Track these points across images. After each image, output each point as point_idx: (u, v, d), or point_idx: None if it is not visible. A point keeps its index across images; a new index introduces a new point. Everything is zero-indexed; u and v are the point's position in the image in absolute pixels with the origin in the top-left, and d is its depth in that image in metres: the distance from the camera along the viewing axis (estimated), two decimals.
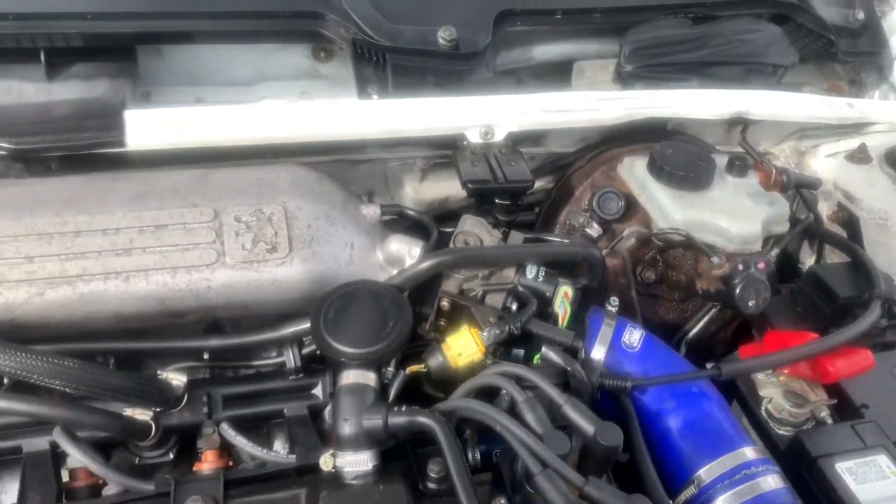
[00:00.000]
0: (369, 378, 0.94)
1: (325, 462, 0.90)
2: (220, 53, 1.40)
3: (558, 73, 1.52)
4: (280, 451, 1.02)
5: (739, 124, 1.38)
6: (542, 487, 0.83)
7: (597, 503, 0.82)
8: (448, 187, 1.42)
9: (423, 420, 0.90)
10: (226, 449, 1.06)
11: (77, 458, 0.92)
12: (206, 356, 1.09)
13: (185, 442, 1.07)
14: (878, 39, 1.68)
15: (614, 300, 1.16)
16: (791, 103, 1.39)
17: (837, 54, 1.61)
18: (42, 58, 1.21)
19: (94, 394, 0.92)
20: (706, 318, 1.30)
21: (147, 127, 1.11)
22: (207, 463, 1.04)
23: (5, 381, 0.97)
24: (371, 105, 1.24)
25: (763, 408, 1.13)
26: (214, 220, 1.04)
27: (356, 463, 0.89)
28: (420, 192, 1.44)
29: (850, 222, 1.36)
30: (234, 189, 1.07)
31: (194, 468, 1.01)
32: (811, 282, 1.25)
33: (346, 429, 0.90)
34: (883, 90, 1.74)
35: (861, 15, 1.66)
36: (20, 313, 0.95)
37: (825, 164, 1.46)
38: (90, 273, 0.97)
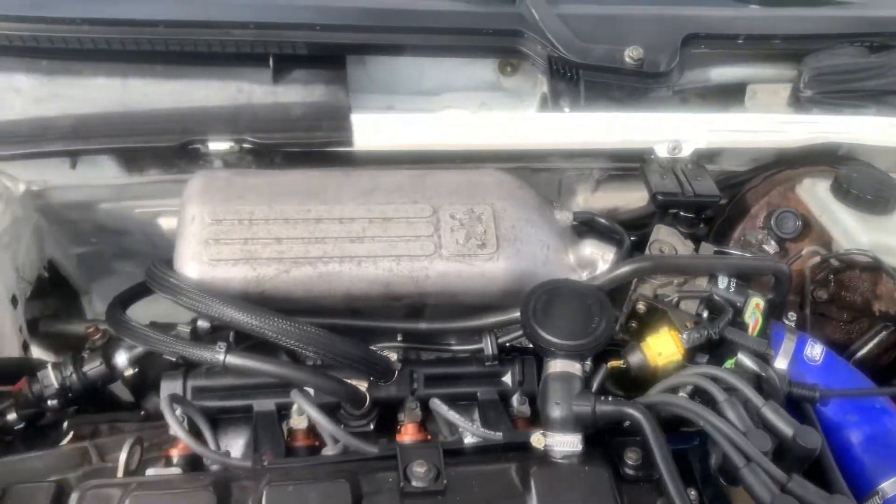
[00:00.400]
0: (576, 368, 1.02)
1: (537, 440, 0.99)
2: (415, 65, 1.52)
3: (725, 95, 1.58)
4: None
5: None
6: (747, 480, 0.89)
7: (800, 499, 0.88)
8: (618, 198, 1.50)
9: (630, 411, 0.98)
10: (423, 424, 1.18)
11: (315, 418, 1.04)
12: (399, 338, 1.21)
13: (385, 414, 1.18)
14: None
15: (792, 315, 1.21)
16: None
17: None
18: (270, 63, 1.36)
19: (335, 361, 1.04)
20: (875, 340, 1.33)
21: (371, 129, 1.24)
22: (408, 435, 1.15)
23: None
24: (568, 118, 1.33)
25: None
26: (433, 216, 1.15)
27: (565, 443, 0.98)
28: (591, 201, 1.52)
29: None
30: (448, 189, 1.18)
31: (397, 439, 1.13)
32: None
33: (557, 412, 0.99)
34: None
35: None
36: (269, 287, 1.08)
37: None
38: (329, 256, 1.10)
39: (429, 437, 1.14)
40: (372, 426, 1.16)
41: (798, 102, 1.46)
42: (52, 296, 1.49)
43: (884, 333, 1.31)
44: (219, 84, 1.35)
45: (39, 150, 1.18)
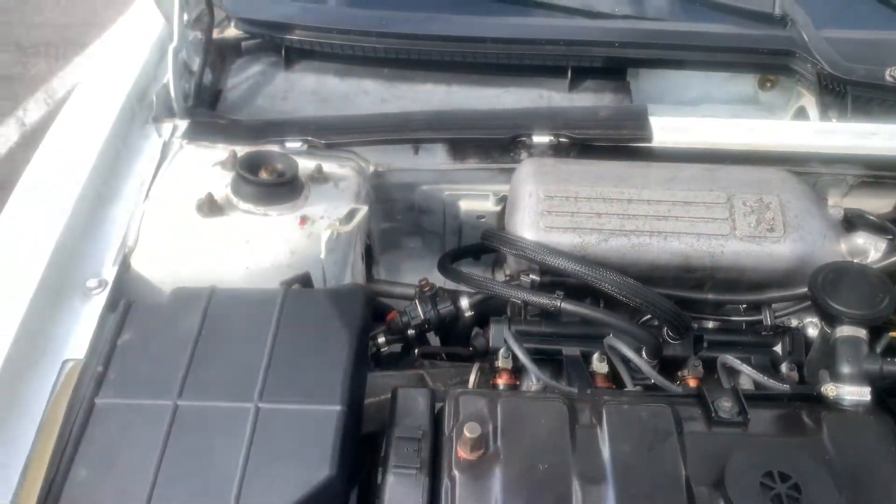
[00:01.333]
0: (862, 333, 1.20)
1: (829, 390, 1.17)
2: (682, 77, 1.74)
3: None
4: None
5: None
6: None
7: None
8: (866, 203, 1.64)
9: None
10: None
11: (634, 359, 1.26)
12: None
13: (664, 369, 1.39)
14: None
15: None
16: None
17: None
18: (568, 74, 1.63)
19: (650, 310, 1.25)
20: None
21: (666, 129, 1.47)
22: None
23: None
24: (843, 127, 1.51)
25: None
26: (727, 202, 1.35)
27: (855, 394, 1.15)
28: (841, 205, 1.67)
29: None
30: (739, 182, 1.38)
31: None
32: None
33: (847, 368, 1.16)
34: None
35: None
36: (590, 252, 1.32)
37: None
38: (640, 230, 1.33)
39: None
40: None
41: None
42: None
43: None
44: (524, 91, 1.63)
45: (403, 138, 1.49)
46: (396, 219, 1.80)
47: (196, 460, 1.05)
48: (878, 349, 1.20)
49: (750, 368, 1.25)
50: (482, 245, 1.46)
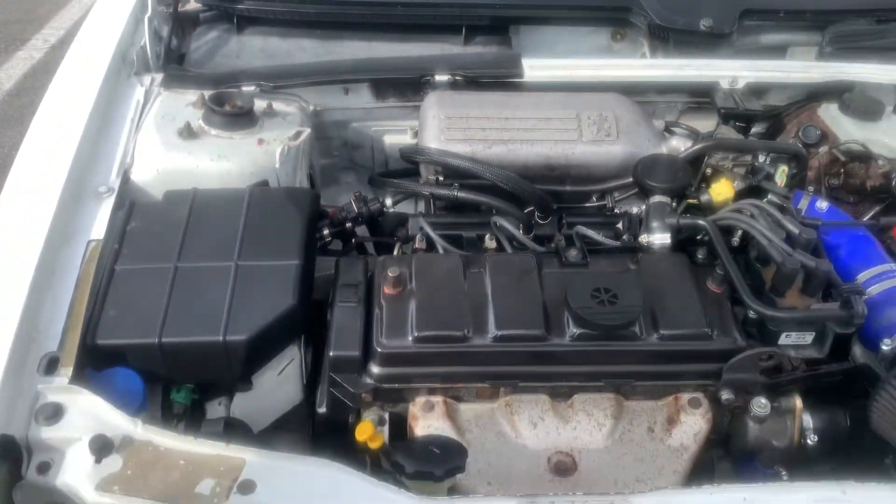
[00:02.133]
0: (667, 200, 1.68)
1: (643, 239, 1.65)
2: (552, 34, 2.21)
3: (773, 53, 2.21)
4: None
5: None
6: (769, 253, 1.52)
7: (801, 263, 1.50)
8: (697, 124, 2.13)
9: (701, 221, 1.62)
10: None
11: (513, 232, 1.68)
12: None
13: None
14: None
15: (810, 188, 1.83)
16: None
17: None
18: (463, 31, 2.08)
19: (521, 193, 1.70)
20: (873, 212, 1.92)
21: (534, 68, 1.93)
22: None
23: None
24: (665, 62, 2.00)
25: None
26: (576, 117, 1.81)
27: (659, 239, 1.63)
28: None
29: None
30: (586, 103, 1.85)
31: None
32: None
33: (656, 222, 1.64)
34: None
35: None
36: (478, 155, 1.76)
37: None
38: (514, 139, 1.78)
39: None
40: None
41: (822, 56, 2.08)
42: None
43: (878, 208, 1.91)
44: (430, 45, 2.07)
45: (333, 79, 1.91)
46: (333, 155, 2.22)
47: (194, 300, 1.46)
48: (679, 210, 1.69)
49: (594, 232, 1.71)
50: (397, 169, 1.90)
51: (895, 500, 1.24)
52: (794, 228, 1.55)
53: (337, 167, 2.26)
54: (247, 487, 1.20)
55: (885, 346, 1.52)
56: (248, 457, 1.25)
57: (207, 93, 1.84)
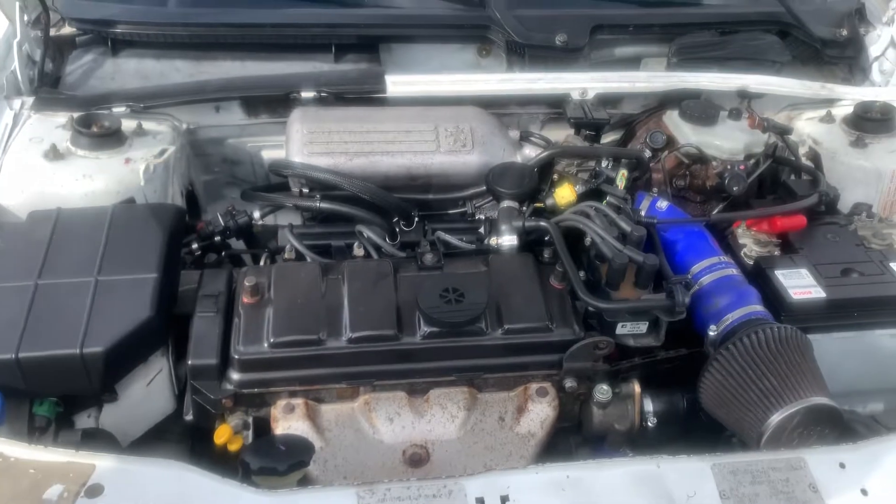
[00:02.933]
0: (515, 205, 1.79)
1: (493, 241, 1.76)
2: (422, 51, 2.31)
3: (628, 64, 2.36)
4: None
5: (745, 96, 2.16)
6: (602, 251, 1.64)
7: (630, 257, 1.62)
8: (553, 134, 2.26)
9: (543, 223, 1.74)
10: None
11: (377, 240, 1.77)
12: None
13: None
14: (858, 49, 2.42)
15: (655, 190, 1.97)
16: (778, 84, 2.17)
17: (825, 58, 2.38)
18: (333, 49, 2.17)
19: (383, 203, 1.79)
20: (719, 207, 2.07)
21: (397, 83, 2.02)
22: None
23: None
24: (519, 76, 2.12)
25: (742, 251, 1.90)
26: (434, 129, 1.92)
27: (508, 241, 1.74)
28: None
29: (815, 156, 2.11)
30: (444, 116, 1.95)
31: None
32: (784, 188, 2.02)
33: (504, 226, 1.75)
34: (866, 86, 2.46)
35: (845, 32, 2.41)
36: (341, 168, 1.84)
37: (806, 124, 2.20)
38: (375, 151, 1.87)
39: None
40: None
41: (670, 66, 2.24)
42: (190, 208, 2.28)
43: (721, 206, 2.06)
44: (301, 63, 2.16)
45: (201, 98, 1.97)
46: (215, 171, 2.27)
47: (53, 315, 1.50)
48: (527, 214, 1.80)
49: (451, 237, 1.82)
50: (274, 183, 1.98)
51: (702, 469, 1.36)
52: (626, 227, 1.68)
53: (220, 183, 2.31)
54: (94, 491, 1.25)
55: (712, 331, 1.66)
56: (99, 462, 1.30)
57: (76, 115, 1.88)
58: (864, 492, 1.36)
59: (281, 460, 1.32)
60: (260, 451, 1.35)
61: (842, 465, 1.40)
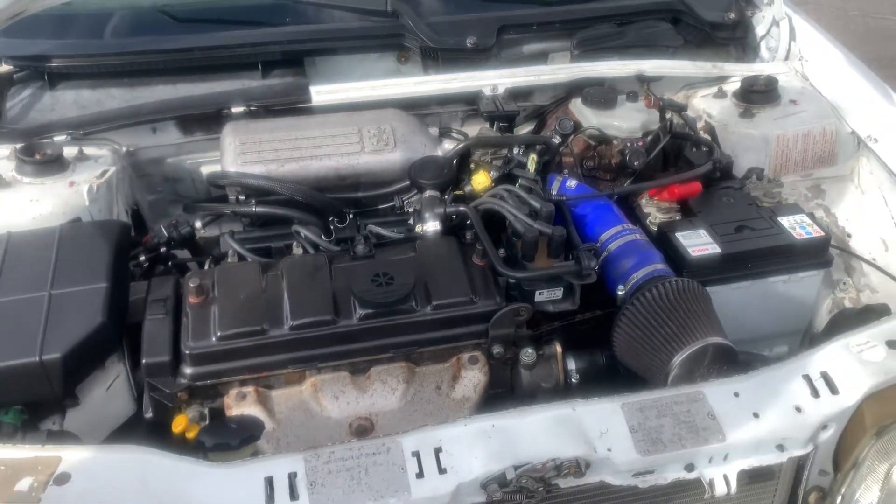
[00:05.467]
0: (436, 194, 1.95)
1: (419, 228, 1.91)
2: (346, 62, 2.47)
3: (536, 59, 2.54)
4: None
5: (643, 80, 2.36)
6: (517, 228, 1.80)
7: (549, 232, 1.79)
8: (473, 130, 2.41)
9: (462, 208, 1.89)
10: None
11: (313, 238, 1.89)
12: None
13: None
14: (746, 30, 2.64)
15: (566, 171, 2.15)
16: (671, 66, 2.37)
17: (717, 41, 2.60)
18: (259, 66, 2.31)
19: (316, 203, 1.93)
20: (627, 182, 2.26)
21: (321, 93, 2.17)
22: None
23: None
24: (433, 78, 2.29)
25: (647, 219, 2.09)
26: (358, 132, 2.07)
27: (431, 227, 1.88)
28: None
29: (711, 129, 2.31)
30: (367, 119, 2.10)
31: None
32: (684, 160, 2.22)
33: (428, 213, 1.90)
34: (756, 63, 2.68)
35: (733, 15, 2.63)
36: (273, 174, 1.97)
37: (701, 100, 2.41)
38: (304, 156, 2.00)
39: None
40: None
41: (573, 59, 2.43)
42: (137, 227, 2.39)
43: (627, 182, 2.25)
44: (230, 82, 2.30)
45: (137, 121, 2.10)
46: (158, 190, 2.39)
47: (11, 329, 1.60)
48: (448, 201, 1.96)
49: (381, 229, 1.96)
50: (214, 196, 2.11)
51: (613, 408, 1.52)
52: (536, 204, 1.85)
53: (164, 202, 2.43)
54: (62, 479, 1.37)
55: (620, 291, 1.83)
56: (64, 454, 1.41)
57: (18, 145, 1.99)
58: (755, 415, 1.54)
59: (233, 437, 1.44)
60: (213, 430, 1.48)
61: (736, 394, 1.57)
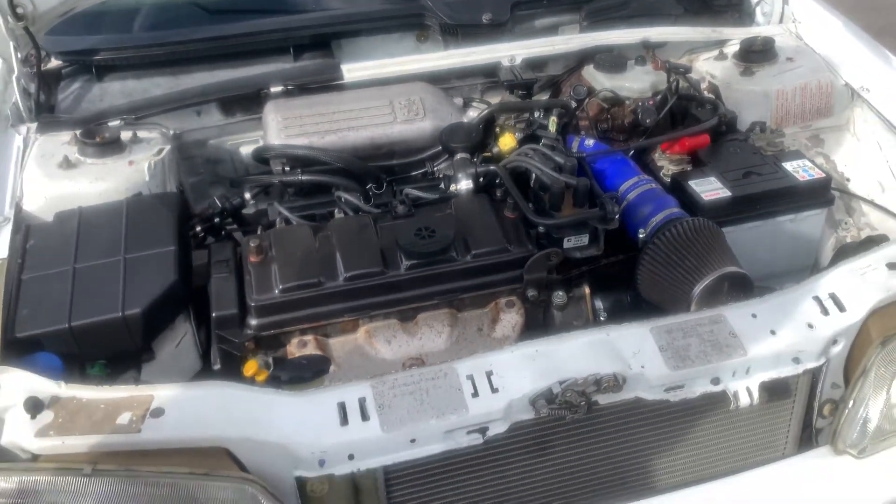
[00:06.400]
0: (467, 156, 2.11)
1: (453, 188, 2.07)
2: (368, 43, 2.63)
3: (549, 32, 2.71)
4: None
5: (649, 46, 2.52)
6: (549, 185, 1.96)
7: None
8: (492, 101, 2.58)
9: (493, 167, 2.06)
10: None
11: (356, 202, 2.05)
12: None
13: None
14: None
15: (583, 132, 2.31)
16: (674, 32, 2.54)
17: (714, 8, 2.76)
18: (291, 50, 2.47)
19: (357, 170, 2.09)
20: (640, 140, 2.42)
21: (352, 70, 2.34)
22: None
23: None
24: (454, 52, 2.45)
25: (661, 172, 2.25)
26: (390, 104, 2.22)
27: (465, 185, 2.04)
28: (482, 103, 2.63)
29: (714, 89, 2.47)
30: (396, 92, 2.25)
31: None
32: (692, 118, 2.38)
33: (461, 174, 2.06)
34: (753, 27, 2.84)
35: None
36: (315, 145, 2.14)
37: (703, 63, 2.57)
38: (342, 128, 2.16)
39: None
40: None
41: (582, 30, 2.60)
42: None
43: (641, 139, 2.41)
44: (266, 66, 2.46)
45: (183, 104, 2.26)
46: (199, 172, 2.54)
47: (93, 290, 1.77)
48: (478, 162, 2.12)
49: (417, 191, 2.12)
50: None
51: (643, 332, 1.68)
52: (560, 160, 2.01)
53: (205, 182, 2.58)
54: (157, 413, 1.52)
55: (640, 234, 1.99)
56: (156, 392, 1.57)
57: (79, 130, 2.15)
58: (772, 332, 1.70)
59: (306, 370, 1.61)
60: (287, 365, 1.64)
61: (754, 315, 1.73)
